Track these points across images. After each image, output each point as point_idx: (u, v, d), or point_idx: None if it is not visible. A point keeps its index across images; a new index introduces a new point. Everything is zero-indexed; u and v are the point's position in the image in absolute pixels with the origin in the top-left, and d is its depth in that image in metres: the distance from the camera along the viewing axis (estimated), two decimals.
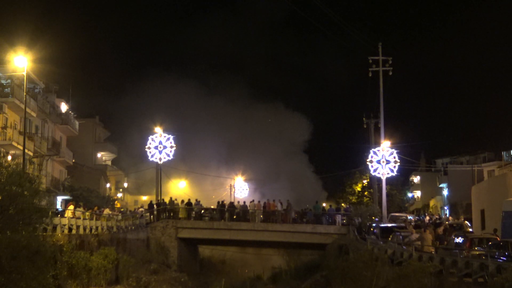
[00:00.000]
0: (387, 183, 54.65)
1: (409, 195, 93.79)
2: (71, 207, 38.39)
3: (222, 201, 54.20)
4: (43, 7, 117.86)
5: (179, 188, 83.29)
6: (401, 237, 36.01)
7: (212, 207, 55.73)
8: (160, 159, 54.43)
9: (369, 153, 52.32)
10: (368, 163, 52.30)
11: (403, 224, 42.60)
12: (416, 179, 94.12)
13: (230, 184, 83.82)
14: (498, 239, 30.10)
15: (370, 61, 52.79)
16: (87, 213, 38.51)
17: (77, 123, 64.71)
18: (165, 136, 54.62)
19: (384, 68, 52.55)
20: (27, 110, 41.78)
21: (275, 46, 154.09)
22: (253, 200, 53.30)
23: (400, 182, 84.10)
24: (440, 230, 37.69)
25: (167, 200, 52.07)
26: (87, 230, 36.61)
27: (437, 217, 56.18)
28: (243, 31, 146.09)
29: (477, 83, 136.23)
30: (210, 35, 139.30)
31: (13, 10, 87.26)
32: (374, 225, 45.91)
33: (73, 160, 64.03)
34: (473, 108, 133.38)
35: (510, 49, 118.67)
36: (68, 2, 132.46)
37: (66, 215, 35.72)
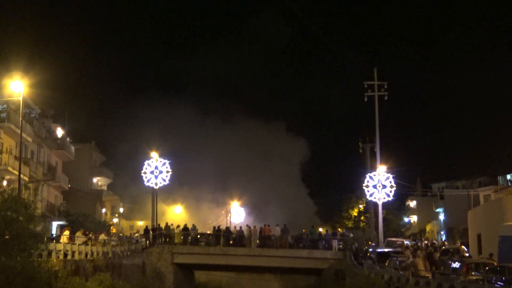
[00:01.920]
0: (383, 208, 54.57)
1: (406, 219, 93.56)
2: (67, 232, 38.28)
3: (218, 226, 54.04)
4: (40, 32, 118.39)
5: (175, 213, 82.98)
6: (398, 262, 35.90)
7: (208, 232, 55.52)
8: (156, 184, 54.35)
9: (365, 177, 52.31)
10: (364, 187, 52.28)
11: (399, 249, 42.48)
12: (412, 203, 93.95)
13: (226, 209, 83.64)
14: (495, 263, 30.02)
15: (366, 86, 52.95)
16: (82, 239, 38.39)
17: (73, 148, 64.63)
18: (161, 161, 54.60)
19: (380, 93, 52.68)
20: (23, 135, 41.76)
21: (273, 71, 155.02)
22: (249, 226, 53.16)
23: (396, 207, 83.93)
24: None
25: (163, 225, 51.89)
26: (83, 256, 36.44)
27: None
28: (242, 57, 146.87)
29: (473, 107, 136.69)
30: (208, 61, 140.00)
31: (9, 35, 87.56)
32: (370, 250, 45.77)
33: (69, 185, 63.86)
34: (469, 133, 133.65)
35: (505, 74, 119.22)
36: (65, 26, 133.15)
37: (61, 241, 35.58)
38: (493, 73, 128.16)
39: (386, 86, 52.85)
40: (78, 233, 39.27)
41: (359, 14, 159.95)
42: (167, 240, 49.94)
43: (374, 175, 52.01)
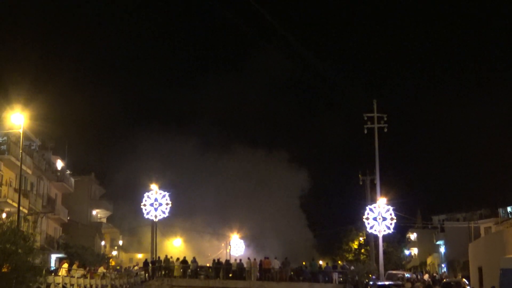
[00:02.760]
0: (383, 240, 54.38)
1: (406, 252, 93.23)
2: (65, 265, 38.07)
3: (218, 259, 53.80)
4: (40, 64, 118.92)
5: (174, 246, 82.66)
6: None
7: (207, 265, 55.23)
8: (156, 216, 54.19)
9: (365, 210, 52.18)
10: (364, 220, 52.12)
11: (400, 282, 42.28)
12: (413, 236, 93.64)
13: (226, 242, 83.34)
14: None
15: (366, 118, 53.01)
16: (81, 271, 38.16)
17: (72, 180, 64.56)
18: (160, 193, 54.50)
19: (379, 125, 52.70)
20: (23, 167, 41.72)
21: (274, 103, 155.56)
22: (249, 259, 52.97)
23: (396, 239, 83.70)
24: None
25: (162, 257, 51.67)
26: None
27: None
28: (243, 89, 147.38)
29: (474, 139, 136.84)
30: (209, 92, 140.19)
31: (10, 67, 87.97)
32: (371, 283, 45.55)
33: (68, 218, 63.70)
34: (469, 164, 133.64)
35: (506, 105, 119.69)
36: (65, 59, 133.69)
37: (60, 274, 35.38)
38: (494, 104, 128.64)
39: (385, 118, 52.93)
40: (74, 266, 38.96)
41: (359, 47, 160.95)
42: (167, 273, 49.70)
43: (374, 207, 51.88)
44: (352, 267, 51.24)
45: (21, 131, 38.21)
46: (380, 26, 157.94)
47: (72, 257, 50.32)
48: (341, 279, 48.49)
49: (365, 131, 53.04)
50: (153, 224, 55.58)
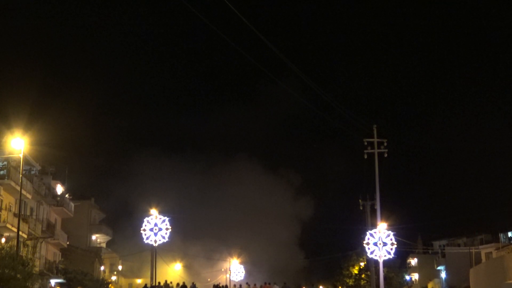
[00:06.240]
0: (384, 266, 54.10)
1: (407, 277, 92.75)
2: None
3: (218, 284, 53.57)
4: (41, 89, 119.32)
5: (174, 271, 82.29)
6: None
7: None
8: (155, 241, 53.96)
9: (366, 235, 51.96)
10: (364, 245, 51.89)
11: None
12: (414, 261, 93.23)
13: (226, 267, 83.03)
14: None
15: (366, 143, 52.95)
16: None
17: (72, 205, 64.44)
18: (160, 218, 54.29)
19: (380, 150, 52.63)
20: (23, 192, 41.61)
21: (277, 132, 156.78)
22: (248, 284, 52.72)
23: (397, 265, 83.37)
24: None
25: (162, 282, 51.42)
26: None
27: None
28: (248, 118, 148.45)
29: (474, 164, 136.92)
30: (214, 121, 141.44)
31: (11, 92, 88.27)
32: None
33: (68, 242, 63.47)
34: (470, 190, 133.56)
35: (505, 130, 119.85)
36: (66, 84, 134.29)
37: None
38: (494, 128, 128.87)
39: (385, 143, 52.85)
40: None
41: (359, 74, 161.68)
42: None
43: (375, 232, 51.62)
44: None
45: (21, 156, 38.15)
46: (380, 50, 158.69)
47: (72, 282, 50.11)
48: None
49: (365, 156, 52.95)
50: (152, 249, 55.30)
